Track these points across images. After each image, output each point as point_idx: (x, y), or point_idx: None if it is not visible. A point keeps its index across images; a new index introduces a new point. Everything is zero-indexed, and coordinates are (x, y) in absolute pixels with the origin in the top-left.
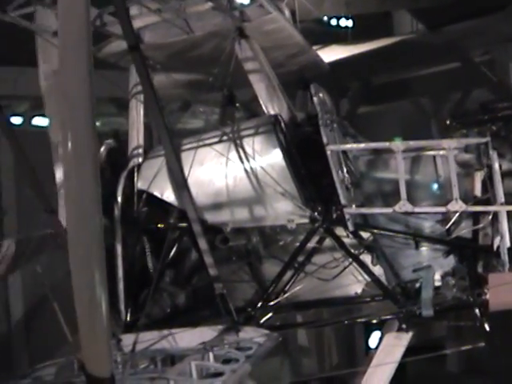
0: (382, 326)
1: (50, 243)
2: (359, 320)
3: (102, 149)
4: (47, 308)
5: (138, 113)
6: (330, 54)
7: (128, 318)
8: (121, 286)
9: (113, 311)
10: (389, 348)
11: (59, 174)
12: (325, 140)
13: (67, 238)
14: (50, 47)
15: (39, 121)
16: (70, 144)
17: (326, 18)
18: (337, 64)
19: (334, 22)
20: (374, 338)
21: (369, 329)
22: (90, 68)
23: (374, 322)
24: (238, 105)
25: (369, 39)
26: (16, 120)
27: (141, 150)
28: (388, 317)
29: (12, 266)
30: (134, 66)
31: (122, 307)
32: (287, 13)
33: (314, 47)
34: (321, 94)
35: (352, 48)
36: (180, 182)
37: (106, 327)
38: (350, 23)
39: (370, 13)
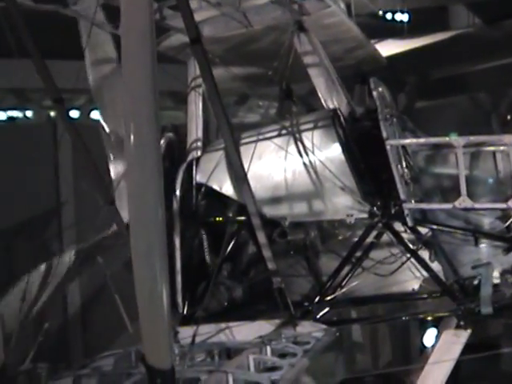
0: (437, 324)
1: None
2: (417, 316)
3: (162, 142)
4: (104, 299)
5: (196, 106)
6: (387, 48)
7: (185, 311)
8: (179, 278)
9: (170, 304)
10: (447, 345)
11: (114, 167)
12: (384, 134)
13: (128, 230)
14: (98, 38)
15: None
16: (132, 137)
17: (381, 12)
18: (394, 58)
19: (389, 16)
20: (429, 336)
21: (424, 326)
22: (153, 61)
23: (430, 319)
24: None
25: (425, 33)
26: (74, 113)
27: (200, 144)
28: (446, 314)
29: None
30: (193, 59)
31: (180, 300)
32: (343, 6)
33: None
34: (380, 89)
35: (409, 42)
36: (240, 176)
37: (167, 319)
38: (405, 17)
39: (426, 6)
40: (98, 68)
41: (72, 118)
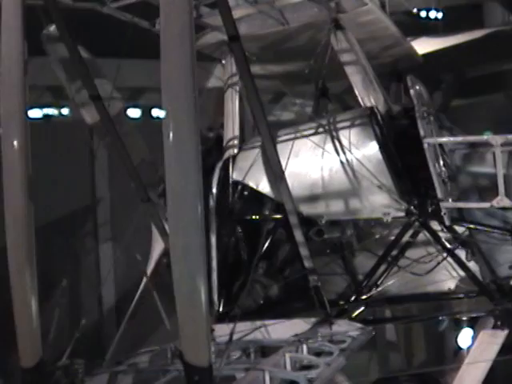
0: (473, 324)
1: None
2: (452, 316)
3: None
4: (140, 295)
5: (233, 104)
6: (423, 46)
7: (221, 309)
8: (214, 276)
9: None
10: (483, 346)
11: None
12: (422, 133)
13: (167, 227)
14: None
15: (132, 112)
16: (172, 135)
17: (415, 10)
18: (429, 56)
19: (423, 13)
20: (464, 336)
21: (459, 326)
22: (193, 59)
23: (466, 319)
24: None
25: (459, 31)
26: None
27: (236, 141)
28: (483, 314)
29: None
30: (229, 57)
31: (216, 298)
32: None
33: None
34: (417, 86)
35: (444, 40)
36: (277, 174)
37: (206, 317)
38: (439, 15)
39: (461, 4)
40: None
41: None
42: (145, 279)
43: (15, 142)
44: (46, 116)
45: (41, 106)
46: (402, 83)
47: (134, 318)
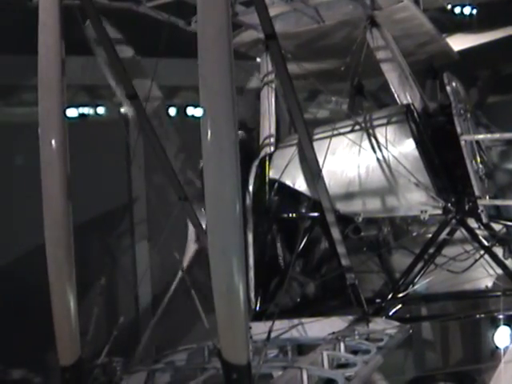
0: (509, 322)
1: None
2: (489, 314)
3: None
4: (178, 293)
5: (269, 102)
6: (458, 43)
7: (258, 307)
8: (251, 274)
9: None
10: None
11: None
12: (459, 130)
13: (206, 226)
14: None
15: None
16: (210, 133)
17: (449, 6)
18: (465, 53)
19: (457, 9)
20: (500, 334)
21: (496, 324)
22: (230, 57)
23: (503, 317)
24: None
25: (494, 27)
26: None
27: (273, 140)
28: None
29: None
30: (265, 55)
31: (252, 295)
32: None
33: None
34: (454, 83)
35: (479, 36)
36: (314, 172)
37: (244, 315)
38: (474, 11)
39: (495, 0)
40: None
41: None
42: (180, 276)
43: (53, 142)
44: (82, 115)
45: (77, 105)
46: (438, 80)
47: (167, 316)
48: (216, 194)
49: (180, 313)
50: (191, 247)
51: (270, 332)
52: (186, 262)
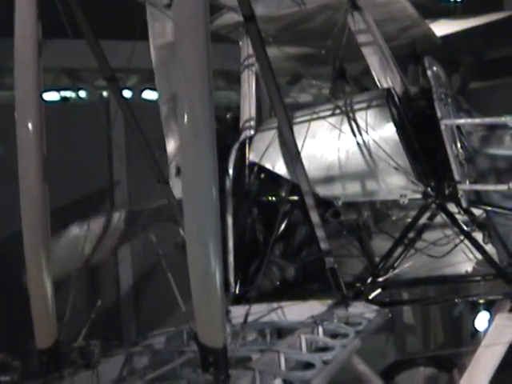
0: (490, 307)
1: (162, 215)
2: (469, 299)
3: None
4: (156, 277)
5: (250, 85)
6: (441, 28)
7: (237, 290)
8: (230, 258)
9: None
10: (500, 329)
11: (171, 147)
12: (439, 114)
13: (182, 208)
14: (161, 20)
15: (149, 94)
16: (186, 116)
17: None
18: (448, 38)
19: None
20: (481, 319)
21: (476, 309)
22: (207, 40)
23: (483, 302)
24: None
25: (478, 13)
26: (126, 93)
27: (253, 123)
28: (500, 297)
29: (123, 239)
30: (246, 38)
31: (232, 279)
32: None
33: None
34: (435, 68)
35: (463, 22)
36: (293, 155)
37: (221, 298)
38: None
39: None
40: (160, 50)
41: (124, 97)
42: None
43: (30, 125)
44: (64, 98)
45: (57, 89)
46: (420, 65)
47: (148, 299)
48: (191, 177)
49: (161, 296)
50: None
51: (246, 315)
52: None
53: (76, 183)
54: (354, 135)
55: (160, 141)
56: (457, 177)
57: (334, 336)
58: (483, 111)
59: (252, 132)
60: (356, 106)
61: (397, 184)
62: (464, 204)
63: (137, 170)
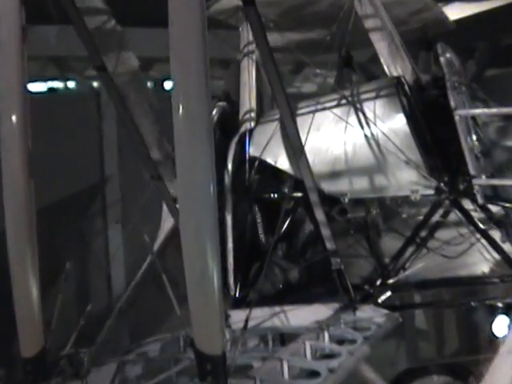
0: (508, 311)
1: None
2: (486, 302)
3: (214, 112)
4: (150, 281)
5: (250, 74)
6: (455, 12)
7: (237, 294)
8: (230, 258)
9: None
10: None
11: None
12: (452, 104)
13: (178, 207)
14: None
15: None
16: (181, 107)
17: None
18: (462, 22)
19: None
20: (498, 324)
21: (493, 313)
22: (203, 26)
23: (501, 305)
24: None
25: None
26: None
27: (253, 114)
28: None
29: None
30: (246, 24)
31: (231, 281)
32: None
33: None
34: (448, 54)
35: (478, 5)
36: (297, 149)
37: (219, 302)
38: None
39: None
40: None
41: (116, 88)
42: (149, 260)
43: (14, 117)
44: (51, 89)
45: (44, 79)
46: (432, 51)
47: (141, 303)
48: (188, 172)
49: (155, 299)
50: (164, 229)
51: (247, 320)
52: (158, 245)
53: (64, 180)
54: (362, 127)
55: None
56: (472, 171)
57: (341, 342)
58: (500, 100)
59: (252, 124)
60: (363, 96)
61: (408, 179)
62: (480, 200)
63: (129, 166)
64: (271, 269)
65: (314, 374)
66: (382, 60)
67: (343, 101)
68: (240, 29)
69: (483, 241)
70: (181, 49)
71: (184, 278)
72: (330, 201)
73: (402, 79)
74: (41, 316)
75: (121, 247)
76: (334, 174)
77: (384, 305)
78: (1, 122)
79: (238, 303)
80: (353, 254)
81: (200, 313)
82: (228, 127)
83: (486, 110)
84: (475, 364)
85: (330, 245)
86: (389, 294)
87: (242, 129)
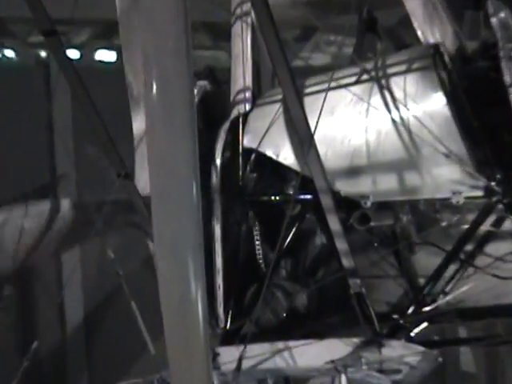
0: None
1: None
2: None
3: (195, 92)
4: (116, 312)
5: (244, 43)
6: None
7: (228, 325)
8: (219, 280)
9: (208, 315)
10: None
11: (137, 127)
12: (508, 79)
13: (150, 212)
14: None
15: (106, 55)
16: (155, 85)
17: None
18: None
19: None
20: None
21: None
22: None
23: None
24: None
25: None
26: (73, 54)
27: (248, 94)
28: None
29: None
30: None
31: (221, 310)
32: None
33: None
34: (502, 14)
35: None
36: (305, 138)
37: (204, 336)
38: None
39: None
40: None
41: (70, 59)
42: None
43: None
44: None
45: None
46: (481, 10)
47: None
48: (163, 169)
49: (122, 333)
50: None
51: (240, 360)
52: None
53: (3, 178)
54: (389, 110)
55: (122, 120)
56: None
57: None
58: None
59: (247, 107)
60: (391, 70)
61: (448, 177)
62: None
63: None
64: (272, 293)
65: None
66: (414, 23)
67: (364, 76)
68: None
69: None
70: (153, 8)
71: (159, 305)
72: (348, 205)
73: (441, 47)
74: None
75: (78, 267)
76: (353, 171)
77: (419, 340)
78: None
79: (230, 338)
80: (377, 273)
81: (179, 350)
82: (213, 112)
83: None
84: None
85: (347, 262)
86: (425, 325)
87: (234, 113)
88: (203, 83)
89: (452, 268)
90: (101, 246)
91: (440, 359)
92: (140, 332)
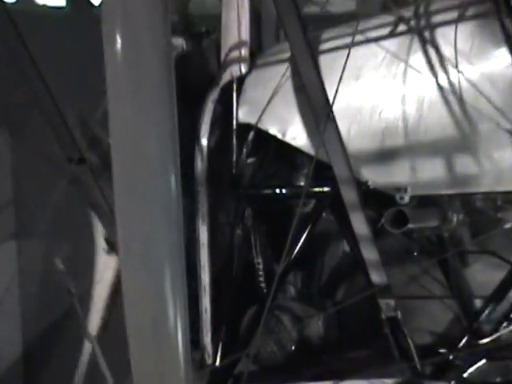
0: None
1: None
2: None
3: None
4: (65, 342)
5: None
6: None
7: (218, 361)
8: (206, 300)
9: (191, 348)
10: None
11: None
12: None
13: (113, 209)
14: None
15: None
16: (120, 41)
17: None
18: None
19: None
20: None
21: None
22: None
23: None
24: None
25: None
26: None
27: (244, 51)
28: None
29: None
30: None
31: (208, 340)
32: None
33: None
34: None
35: None
36: (321, 111)
37: (184, 377)
38: None
39: None
40: None
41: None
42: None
43: None
44: None
45: None
46: None
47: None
48: (131, 151)
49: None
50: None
51: None
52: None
53: None
54: (433, 73)
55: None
56: None
57: None
58: None
59: (243, 69)
60: (436, 18)
61: None
62: None
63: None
64: (277, 318)
65: None
66: None
67: (401, 27)
68: None
69: None
70: None
71: (126, 333)
72: (378, 200)
73: None
74: None
75: (15, 277)
76: (385, 155)
77: (474, 382)
78: None
79: (220, 378)
80: (418, 292)
81: None
82: (195, 78)
83: None
84: None
85: (377, 276)
86: (482, 362)
87: (226, 77)
88: (178, 41)
89: None
90: (45, 255)
91: None
92: (98, 370)
